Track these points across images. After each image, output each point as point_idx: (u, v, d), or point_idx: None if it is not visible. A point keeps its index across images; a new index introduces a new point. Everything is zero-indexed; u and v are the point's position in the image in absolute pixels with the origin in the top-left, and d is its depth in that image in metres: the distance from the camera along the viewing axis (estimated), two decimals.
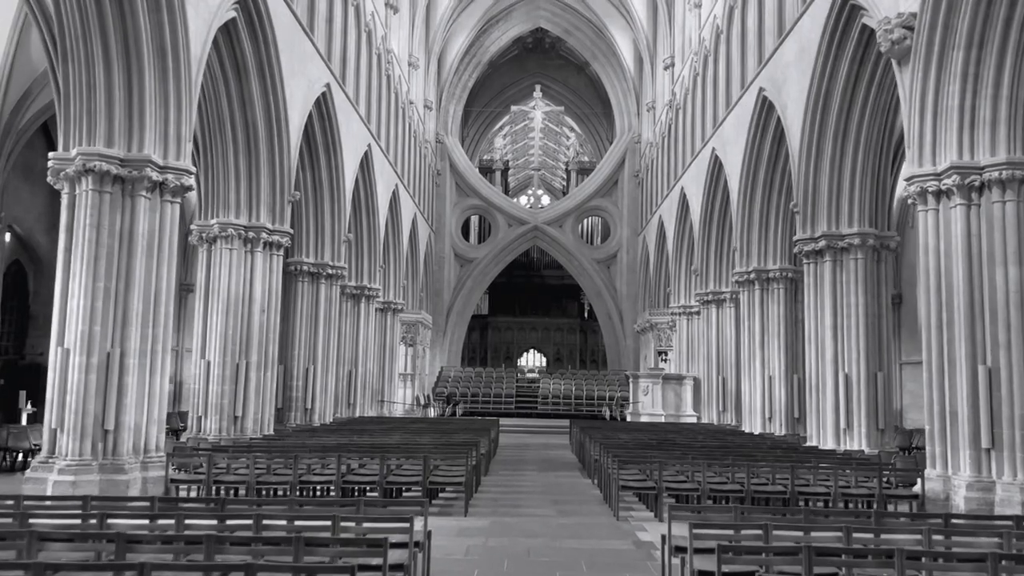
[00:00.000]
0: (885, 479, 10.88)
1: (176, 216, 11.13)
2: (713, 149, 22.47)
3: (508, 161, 49.02)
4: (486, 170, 44.49)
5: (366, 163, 22.63)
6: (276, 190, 15.54)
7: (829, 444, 14.85)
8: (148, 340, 10.76)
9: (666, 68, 30.26)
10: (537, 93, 39.99)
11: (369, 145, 22.69)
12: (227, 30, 13.77)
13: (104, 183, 10.42)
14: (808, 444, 15.34)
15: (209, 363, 14.88)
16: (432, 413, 30.34)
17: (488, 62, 40.76)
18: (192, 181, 11.18)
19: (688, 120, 26.66)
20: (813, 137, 15.15)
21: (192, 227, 15.37)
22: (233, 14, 13.30)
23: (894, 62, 11.44)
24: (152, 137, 10.71)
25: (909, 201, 11.36)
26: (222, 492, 10.80)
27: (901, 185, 12.36)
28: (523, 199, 52.55)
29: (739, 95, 20.13)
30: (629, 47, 36.79)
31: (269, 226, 15.41)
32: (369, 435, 14.87)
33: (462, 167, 38.82)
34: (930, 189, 10.77)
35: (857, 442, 14.51)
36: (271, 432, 15.46)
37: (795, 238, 15.78)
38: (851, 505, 10.76)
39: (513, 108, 40.39)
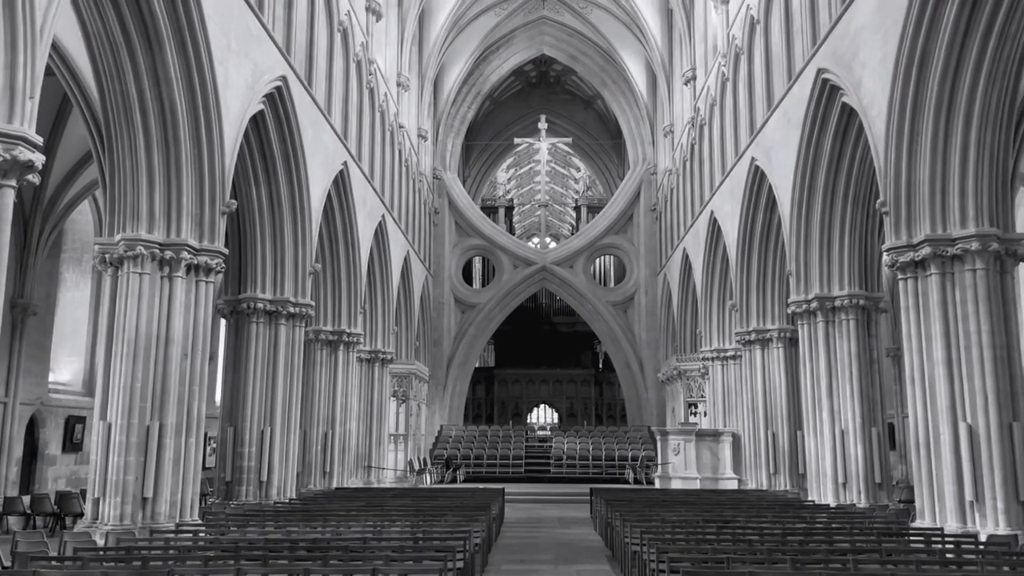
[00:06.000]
0: None
1: (9, 203, 7.47)
2: (752, 159, 18.93)
3: (512, 199, 45.62)
4: (489, 210, 41.12)
5: (342, 184, 19.15)
6: (205, 197, 11.94)
7: (950, 523, 10.86)
8: None
9: (686, 83, 26.94)
10: (542, 124, 36.79)
11: (345, 163, 19.23)
12: None
13: None
14: (920, 525, 11.35)
15: (110, 426, 11.11)
16: (429, 480, 26.29)
17: (489, 95, 37.74)
18: (35, 156, 7.56)
19: (716, 134, 23.20)
20: (905, 113, 11.52)
21: (95, 246, 11.78)
22: None
23: None
24: None
25: None
26: None
27: None
28: (530, 244, 48.83)
29: (787, 87, 16.63)
30: (641, 71, 33.71)
31: (194, 244, 11.76)
32: (324, 522, 10.99)
33: (462, 204, 35.43)
34: None
35: (992, 521, 10.51)
36: (194, 518, 11.58)
37: (885, 247, 12.02)
38: None
39: (517, 140, 37.12)
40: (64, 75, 12.34)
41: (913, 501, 12.51)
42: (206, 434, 18.34)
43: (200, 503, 13.22)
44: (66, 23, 10.90)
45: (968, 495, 10.75)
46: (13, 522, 15.55)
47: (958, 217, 11.21)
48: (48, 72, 10.74)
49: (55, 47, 11.85)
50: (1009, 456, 10.59)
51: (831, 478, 15.29)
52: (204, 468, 16.84)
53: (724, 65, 22.00)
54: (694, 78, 26.30)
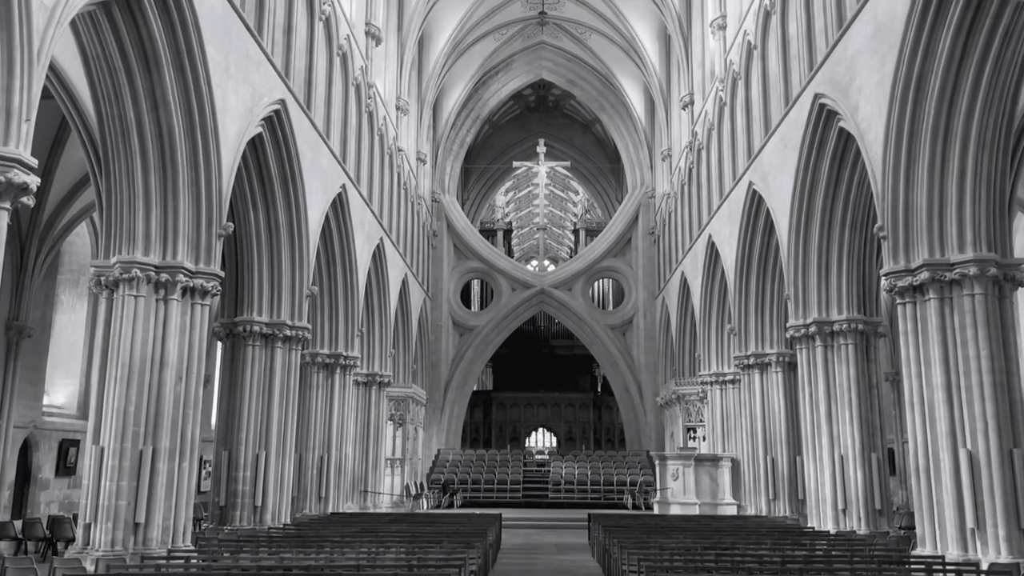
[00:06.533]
0: None
1: (3, 225, 7.43)
2: (750, 183, 18.95)
3: (511, 222, 45.68)
4: (488, 232, 41.27)
5: (340, 208, 19.15)
6: (201, 220, 11.92)
7: (952, 551, 10.73)
8: None
9: (684, 107, 27.07)
10: (541, 148, 36.90)
11: (344, 187, 19.25)
12: (128, 6, 10.46)
13: None
14: (921, 553, 11.21)
15: (103, 450, 11.00)
16: (425, 505, 26.07)
17: (488, 118, 37.95)
18: (30, 179, 7.50)
19: (714, 159, 23.27)
20: (902, 137, 11.53)
21: (91, 268, 11.74)
22: None
23: None
24: None
25: None
26: None
27: None
28: (529, 267, 48.75)
29: (784, 112, 16.69)
30: (639, 95, 33.94)
31: (190, 267, 11.72)
32: (319, 548, 10.85)
33: (460, 227, 35.46)
34: None
35: (993, 548, 10.38)
36: (186, 543, 11.44)
37: (883, 271, 11.99)
38: None
39: (516, 164, 37.24)
40: (63, 98, 12.36)
41: (914, 528, 12.39)
42: (201, 458, 18.20)
43: (194, 528, 13.08)
44: (65, 46, 10.94)
45: (969, 522, 10.62)
46: (4, 547, 15.35)
47: (956, 242, 11.19)
48: (47, 95, 10.79)
49: (54, 70, 11.90)
50: (1010, 483, 10.47)
51: (831, 504, 15.15)
52: (199, 492, 16.68)
53: (722, 90, 22.11)
54: (692, 103, 26.42)
